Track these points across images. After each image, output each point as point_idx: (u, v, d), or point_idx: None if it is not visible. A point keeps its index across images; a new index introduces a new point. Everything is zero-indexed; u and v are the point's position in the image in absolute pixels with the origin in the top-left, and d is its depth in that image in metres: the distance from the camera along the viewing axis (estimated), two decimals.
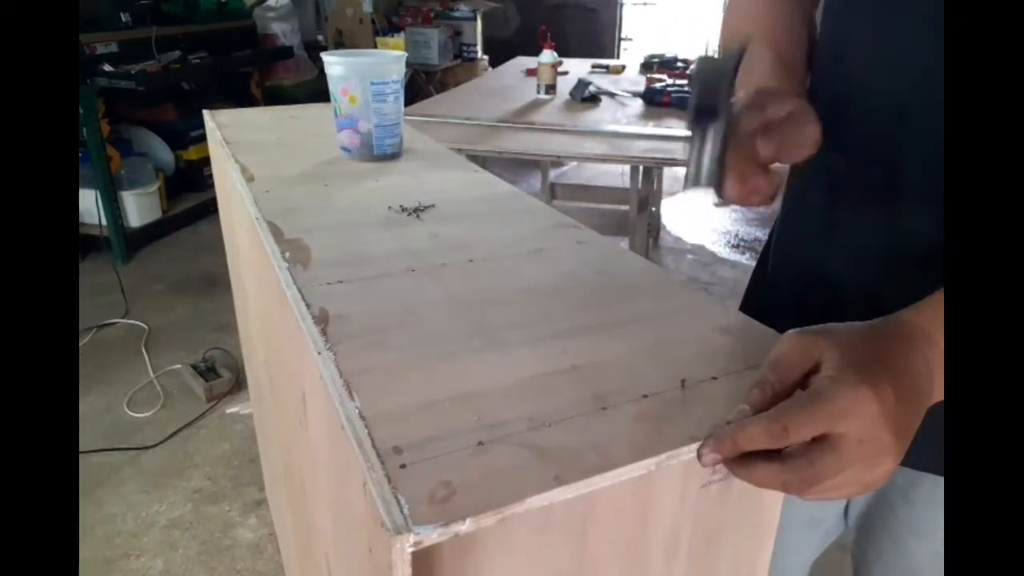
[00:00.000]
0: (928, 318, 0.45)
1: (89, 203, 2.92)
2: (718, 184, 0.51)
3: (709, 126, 0.50)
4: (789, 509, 0.54)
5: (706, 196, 0.51)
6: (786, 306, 0.70)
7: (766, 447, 0.40)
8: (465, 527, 0.35)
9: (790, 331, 0.45)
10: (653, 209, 3.31)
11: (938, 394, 0.44)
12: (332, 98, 0.99)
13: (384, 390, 0.46)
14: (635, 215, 2.46)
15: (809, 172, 0.68)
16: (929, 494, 0.69)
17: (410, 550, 0.34)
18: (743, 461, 0.41)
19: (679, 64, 3.07)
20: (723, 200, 0.52)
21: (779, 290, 0.76)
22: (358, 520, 0.43)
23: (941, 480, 0.63)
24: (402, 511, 0.35)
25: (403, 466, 0.38)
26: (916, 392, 0.43)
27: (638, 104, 2.38)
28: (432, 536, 0.34)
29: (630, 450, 0.41)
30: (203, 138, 3.37)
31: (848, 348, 0.42)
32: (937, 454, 0.45)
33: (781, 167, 0.55)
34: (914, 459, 0.46)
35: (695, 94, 0.50)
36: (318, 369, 0.50)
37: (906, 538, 0.73)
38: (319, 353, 0.51)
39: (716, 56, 0.53)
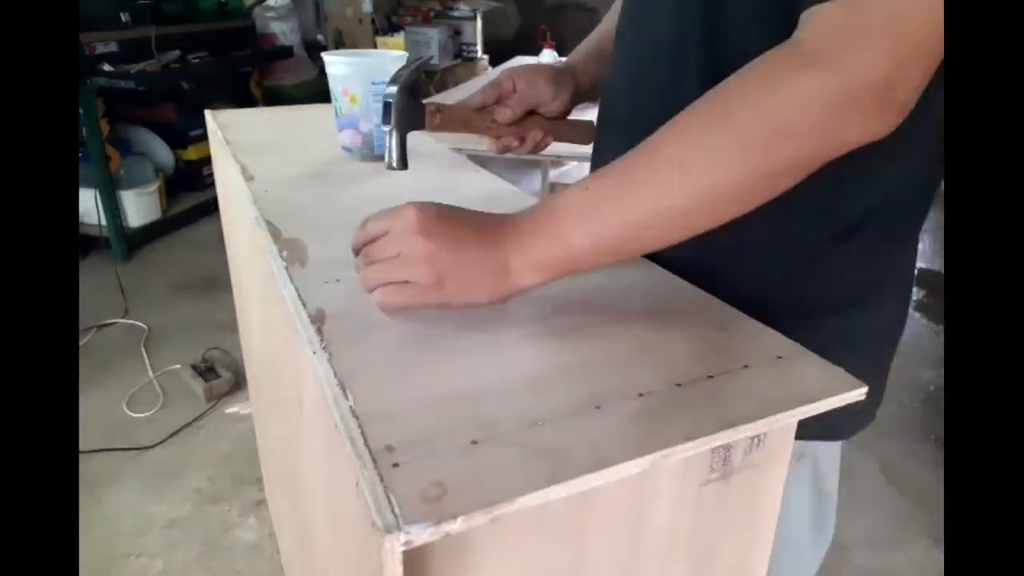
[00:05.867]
0: (522, 215, 0.56)
1: (89, 203, 2.92)
2: (402, 164, 0.75)
3: (391, 124, 0.71)
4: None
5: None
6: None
7: (360, 240, 0.58)
8: (456, 526, 0.35)
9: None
10: None
11: (518, 277, 0.54)
12: (333, 98, 0.99)
13: (378, 389, 0.46)
14: None
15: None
16: None
17: (401, 549, 0.34)
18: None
19: None
20: (403, 168, 0.76)
21: None
22: (351, 519, 0.43)
23: None
24: (393, 510, 0.35)
25: (395, 465, 0.38)
26: (465, 238, 0.54)
27: None
28: (423, 535, 0.34)
29: (624, 449, 0.41)
30: (203, 138, 3.39)
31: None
32: None
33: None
34: None
35: (384, 101, 0.70)
36: (313, 368, 0.50)
37: None
38: (314, 352, 0.51)
39: (404, 69, 0.72)
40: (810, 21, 0.49)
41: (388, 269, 0.56)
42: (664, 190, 0.51)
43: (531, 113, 0.82)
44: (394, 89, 0.69)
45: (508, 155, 0.85)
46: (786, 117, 0.48)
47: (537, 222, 0.55)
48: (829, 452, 0.75)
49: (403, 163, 0.71)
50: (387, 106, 0.69)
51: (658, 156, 0.52)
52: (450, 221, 0.55)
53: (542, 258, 0.54)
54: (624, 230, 0.53)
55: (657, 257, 0.67)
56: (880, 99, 0.47)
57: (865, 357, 0.69)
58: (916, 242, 0.71)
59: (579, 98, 0.86)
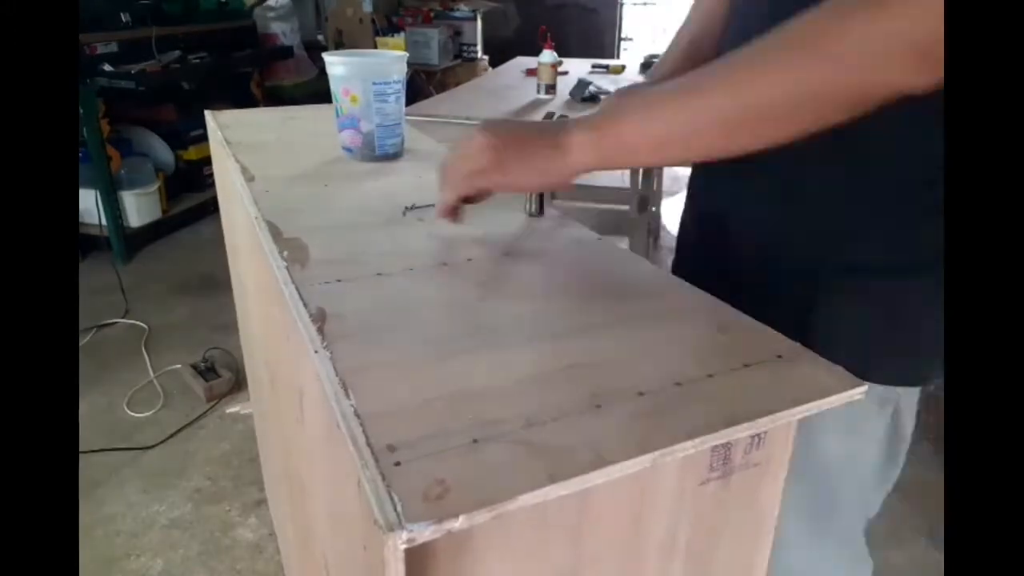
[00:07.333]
0: (577, 124, 0.62)
1: (89, 203, 2.92)
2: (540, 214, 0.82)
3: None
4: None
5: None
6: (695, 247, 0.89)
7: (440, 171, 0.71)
8: (458, 524, 0.35)
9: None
10: (653, 209, 3.31)
11: (575, 152, 0.61)
12: (333, 98, 0.99)
13: (380, 388, 0.46)
14: (635, 215, 2.46)
15: None
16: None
17: (403, 547, 0.34)
18: None
19: None
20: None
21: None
22: (353, 518, 0.43)
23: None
24: (395, 508, 0.35)
25: (397, 464, 0.39)
26: (523, 128, 0.65)
27: None
28: (425, 533, 0.34)
29: (625, 447, 0.41)
30: (203, 138, 3.39)
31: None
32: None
33: None
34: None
35: None
36: (314, 368, 0.50)
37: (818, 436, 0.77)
38: (315, 352, 0.51)
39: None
40: None
41: (456, 168, 0.67)
42: (714, 98, 0.57)
43: None
44: None
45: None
46: (837, 47, 0.51)
47: (595, 116, 0.62)
48: (911, 396, 0.77)
49: (541, 213, 0.82)
50: None
51: (716, 71, 0.58)
52: (510, 122, 0.67)
53: (597, 139, 0.61)
54: (673, 130, 0.59)
55: (741, 217, 0.77)
56: (923, 52, 0.49)
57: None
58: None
59: None
